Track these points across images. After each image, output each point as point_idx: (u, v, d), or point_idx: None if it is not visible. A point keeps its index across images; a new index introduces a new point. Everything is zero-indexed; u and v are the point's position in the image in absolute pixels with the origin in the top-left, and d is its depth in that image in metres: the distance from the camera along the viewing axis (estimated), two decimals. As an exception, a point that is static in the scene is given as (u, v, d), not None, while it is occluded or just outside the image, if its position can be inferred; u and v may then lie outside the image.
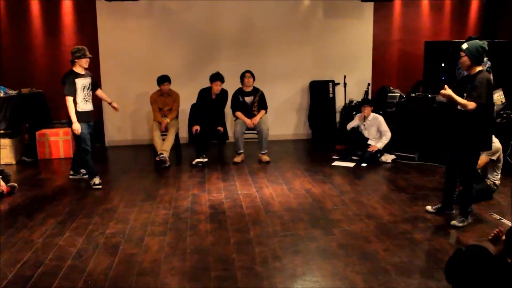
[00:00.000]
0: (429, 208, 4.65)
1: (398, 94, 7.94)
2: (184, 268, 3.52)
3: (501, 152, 4.94)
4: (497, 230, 3.02)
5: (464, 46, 4.11)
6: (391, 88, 8.23)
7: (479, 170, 4.88)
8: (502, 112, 6.23)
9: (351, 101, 8.19)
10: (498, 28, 8.57)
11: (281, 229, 4.25)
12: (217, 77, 6.77)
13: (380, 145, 6.75)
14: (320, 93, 8.37)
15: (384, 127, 6.82)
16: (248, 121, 6.85)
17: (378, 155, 6.78)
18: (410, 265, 3.51)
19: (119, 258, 3.70)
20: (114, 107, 5.98)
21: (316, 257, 3.69)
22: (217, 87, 6.81)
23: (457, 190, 4.54)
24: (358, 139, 6.93)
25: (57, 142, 7.30)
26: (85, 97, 5.56)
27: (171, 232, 4.23)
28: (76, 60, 5.45)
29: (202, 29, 8.09)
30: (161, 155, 6.53)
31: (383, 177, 6.16)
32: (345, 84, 8.14)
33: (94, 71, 6.00)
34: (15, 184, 5.57)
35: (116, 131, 8.23)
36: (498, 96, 6.36)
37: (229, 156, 7.25)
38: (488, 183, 4.96)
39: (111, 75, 7.96)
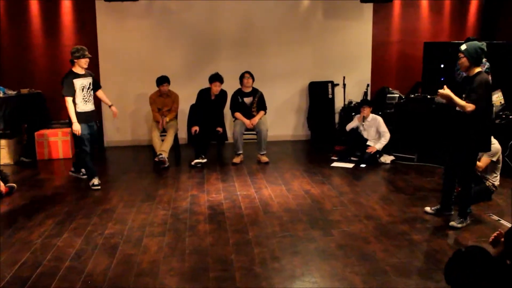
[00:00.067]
0: (428, 209, 4.65)
1: (397, 95, 7.94)
2: (183, 268, 3.52)
3: (500, 153, 4.95)
4: (497, 232, 3.02)
5: (463, 47, 4.10)
6: (390, 89, 8.23)
7: (479, 173, 4.89)
8: (501, 113, 6.23)
9: (350, 102, 8.18)
10: (496, 29, 8.58)
11: (280, 230, 4.25)
12: (216, 77, 6.77)
13: (379, 146, 6.75)
14: (319, 94, 8.37)
15: (383, 128, 6.82)
16: (247, 121, 6.84)
17: (377, 156, 6.77)
18: (409, 266, 3.51)
19: (118, 258, 3.70)
20: (113, 111, 5.96)
21: (315, 257, 3.69)
22: (216, 88, 6.80)
23: (456, 191, 4.54)
24: (357, 140, 6.93)
25: (56, 142, 7.29)
26: (85, 97, 5.53)
27: (170, 232, 4.22)
28: (75, 60, 5.42)
29: (202, 29, 8.09)
30: (160, 156, 6.52)
31: (382, 178, 6.16)
32: (344, 85, 8.13)
33: (93, 71, 5.97)
34: (14, 185, 5.56)
35: (116, 131, 8.22)
36: (497, 97, 6.36)
37: (228, 156, 7.24)
38: (487, 184, 4.95)
39: (111, 75, 7.95)
